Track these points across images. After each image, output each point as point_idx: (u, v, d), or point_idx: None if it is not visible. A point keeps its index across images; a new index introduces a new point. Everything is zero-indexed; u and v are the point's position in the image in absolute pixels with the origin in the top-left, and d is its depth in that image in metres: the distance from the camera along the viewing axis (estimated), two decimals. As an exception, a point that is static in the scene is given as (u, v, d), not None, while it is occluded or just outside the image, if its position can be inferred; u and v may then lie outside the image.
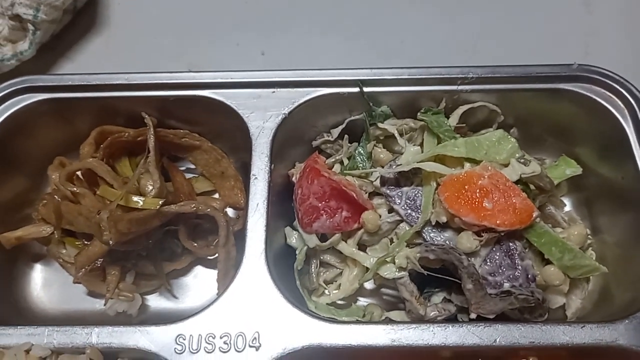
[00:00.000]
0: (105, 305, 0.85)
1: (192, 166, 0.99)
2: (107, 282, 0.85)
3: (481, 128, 0.91)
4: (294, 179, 0.89)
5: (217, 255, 0.89)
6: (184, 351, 0.71)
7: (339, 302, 0.86)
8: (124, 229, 0.77)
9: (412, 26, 1.12)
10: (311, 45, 1.12)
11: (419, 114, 0.87)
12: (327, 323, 0.73)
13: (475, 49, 1.09)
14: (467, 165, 0.80)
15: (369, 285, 0.87)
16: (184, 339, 0.72)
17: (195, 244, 0.88)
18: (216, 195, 0.97)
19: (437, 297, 0.80)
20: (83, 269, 0.84)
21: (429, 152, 0.81)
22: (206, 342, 0.71)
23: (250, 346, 0.71)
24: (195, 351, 0.71)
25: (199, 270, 0.93)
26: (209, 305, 0.75)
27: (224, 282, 0.84)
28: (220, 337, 0.72)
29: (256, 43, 1.13)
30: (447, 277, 0.76)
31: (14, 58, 1.08)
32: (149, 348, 0.72)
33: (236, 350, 0.71)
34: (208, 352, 0.71)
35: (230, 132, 0.94)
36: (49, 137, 0.96)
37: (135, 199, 0.83)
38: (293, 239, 0.87)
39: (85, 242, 0.88)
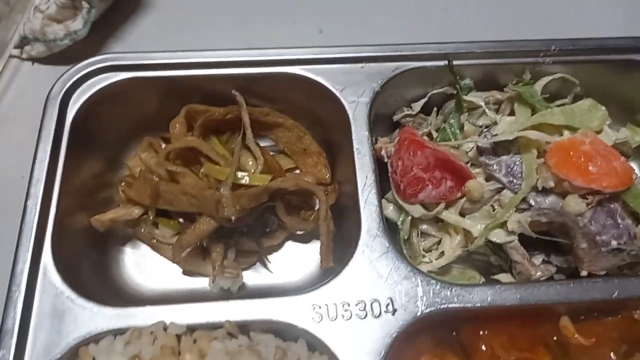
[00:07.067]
0: (212, 282, 0.84)
1: (271, 144, 0.99)
2: (213, 260, 0.85)
3: (553, 99, 0.95)
4: (382, 152, 0.91)
5: (307, 230, 0.90)
6: (321, 320, 0.72)
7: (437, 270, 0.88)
8: (246, 204, 0.77)
9: (476, 4, 1.14)
10: (369, 23, 1.13)
11: (510, 85, 0.90)
12: (456, 287, 0.75)
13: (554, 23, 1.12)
14: (566, 132, 0.84)
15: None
16: (320, 308, 0.73)
17: (293, 219, 0.89)
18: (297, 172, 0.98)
19: (537, 260, 0.84)
20: (189, 248, 0.83)
21: (528, 120, 0.85)
22: (343, 309, 0.73)
23: (385, 312, 0.73)
24: (333, 319, 0.72)
25: (290, 245, 0.94)
26: (335, 276, 0.76)
27: (327, 255, 0.85)
28: (356, 305, 0.73)
29: (313, 20, 1.13)
30: (554, 239, 0.80)
31: (67, 37, 1.04)
32: (286, 320, 0.72)
33: (373, 316, 0.73)
34: (346, 320, 0.72)
35: (308, 108, 0.95)
36: (125, 117, 0.94)
37: (240, 175, 0.83)
38: (389, 210, 0.89)
39: (181, 222, 0.87)
